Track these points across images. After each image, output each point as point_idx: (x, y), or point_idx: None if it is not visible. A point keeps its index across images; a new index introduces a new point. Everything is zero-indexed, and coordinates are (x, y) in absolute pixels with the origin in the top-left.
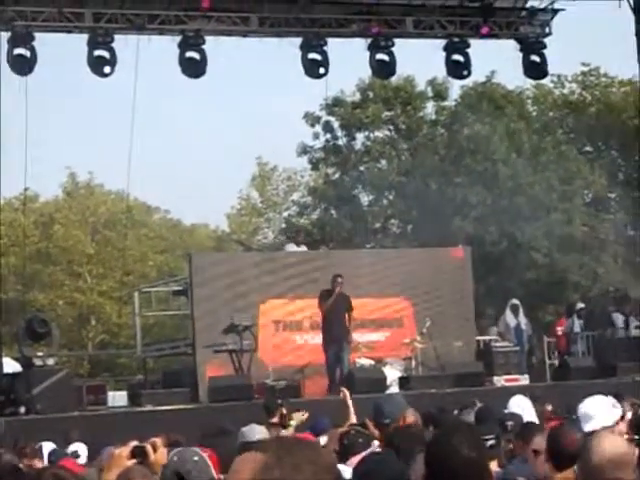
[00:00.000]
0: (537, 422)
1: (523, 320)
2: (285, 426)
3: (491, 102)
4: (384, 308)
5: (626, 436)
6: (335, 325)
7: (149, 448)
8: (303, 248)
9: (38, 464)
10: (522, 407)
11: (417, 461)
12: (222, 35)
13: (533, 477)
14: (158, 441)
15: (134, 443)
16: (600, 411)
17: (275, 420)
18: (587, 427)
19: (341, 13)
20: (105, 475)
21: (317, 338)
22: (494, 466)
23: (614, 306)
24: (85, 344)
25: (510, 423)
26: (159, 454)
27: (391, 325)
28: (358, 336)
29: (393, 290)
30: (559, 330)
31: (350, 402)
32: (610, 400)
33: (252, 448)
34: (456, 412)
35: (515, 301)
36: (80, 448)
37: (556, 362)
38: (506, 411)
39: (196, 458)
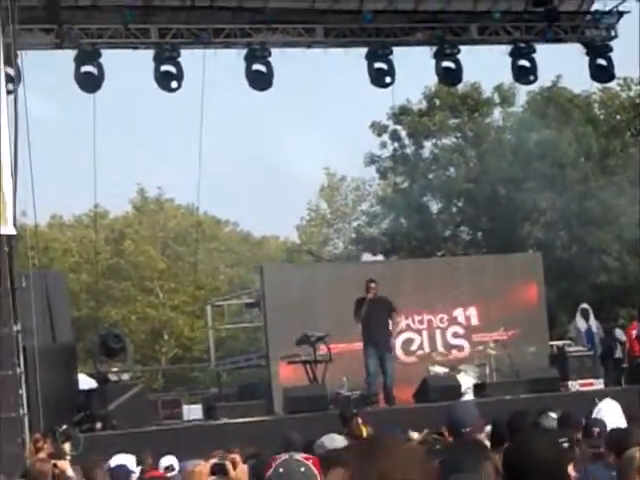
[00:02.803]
0: (626, 427)
1: (594, 324)
2: (359, 436)
3: (558, 106)
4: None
5: None
6: (374, 332)
7: (229, 465)
8: (380, 257)
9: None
10: (610, 411)
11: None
12: (287, 47)
13: None
14: (237, 457)
15: (214, 460)
16: None
17: (350, 430)
18: None
19: (406, 22)
20: None
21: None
22: (570, 469)
23: None
24: (159, 359)
25: (596, 429)
26: (239, 471)
27: (471, 329)
28: (432, 343)
29: (468, 294)
30: (633, 334)
31: None
32: None
33: (333, 457)
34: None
35: (585, 305)
36: (173, 461)
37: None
38: (593, 416)
39: (303, 469)
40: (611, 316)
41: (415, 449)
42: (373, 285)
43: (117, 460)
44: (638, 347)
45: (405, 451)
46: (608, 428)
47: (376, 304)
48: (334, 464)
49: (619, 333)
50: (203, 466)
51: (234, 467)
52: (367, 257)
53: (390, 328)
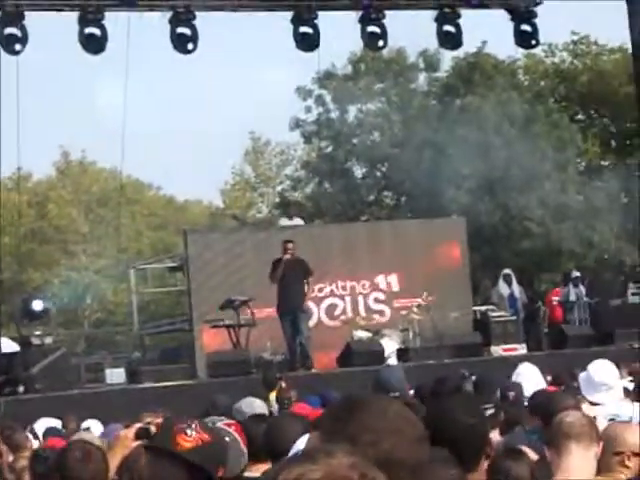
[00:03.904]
0: (551, 392)
1: (517, 289)
2: (284, 400)
3: (482, 73)
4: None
5: None
6: (289, 294)
7: (154, 429)
8: (297, 221)
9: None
10: (529, 375)
11: None
12: (213, 10)
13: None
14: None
15: (138, 425)
16: (607, 381)
17: (276, 394)
18: (593, 397)
19: None
20: (109, 457)
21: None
22: (495, 435)
23: (610, 273)
24: (81, 322)
25: (512, 393)
26: None
27: (393, 293)
28: (355, 307)
29: (392, 258)
30: (554, 300)
31: None
32: (614, 369)
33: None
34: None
35: (507, 270)
36: (93, 425)
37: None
38: (512, 379)
39: (228, 438)
40: (534, 281)
41: (391, 408)
42: (290, 246)
43: (43, 424)
44: (558, 313)
45: (378, 412)
46: (527, 393)
47: (292, 265)
48: (312, 428)
49: (547, 298)
50: (127, 431)
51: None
52: (284, 221)
53: (305, 289)
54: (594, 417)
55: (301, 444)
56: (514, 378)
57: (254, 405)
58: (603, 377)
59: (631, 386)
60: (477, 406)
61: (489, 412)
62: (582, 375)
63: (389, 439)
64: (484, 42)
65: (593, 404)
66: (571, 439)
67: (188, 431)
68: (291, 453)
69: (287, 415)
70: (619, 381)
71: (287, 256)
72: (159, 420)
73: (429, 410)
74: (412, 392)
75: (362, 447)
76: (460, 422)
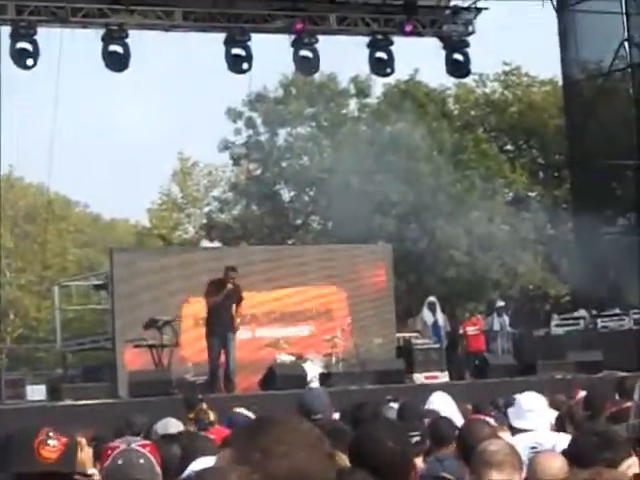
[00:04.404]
0: (459, 419)
1: (441, 317)
2: (205, 421)
3: (413, 100)
4: (310, 299)
5: None
6: (222, 318)
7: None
8: (217, 244)
9: None
10: (442, 404)
11: None
12: (145, 29)
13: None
14: (83, 440)
15: None
16: (536, 408)
17: (194, 415)
18: (520, 424)
19: (265, 9)
20: None
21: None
22: (419, 462)
23: (535, 304)
24: (3, 338)
25: (427, 420)
26: (84, 453)
27: (315, 317)
28: (278, 331)
29: (317, 282)
30: (469, 330)
31: None
32: (543, 399)
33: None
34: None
35: (432, 298)
36: None
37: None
38: (426, 407)
39: (142, 460)
40: (457, 310)
41: (302, 425)
42: (233, 274)
43: None
44: (474, 342)
45: (290, 427)
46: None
47: (231, 293)
48: (224, 445)
49: (463, 327)
50: None
51: (80, 449)
52: (205, 243)
53: (233, 312)
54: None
55: (197, 466)
56: (427, 407)
57: (168, 425)
58: (530, 405)
59: (553, 417)
60: (402, 432)
61: (415, 439)
62: (512, 403)
63: (303, 451)
64: (416, 70)
65: (519, 431)
66: (493, 467)
67: (50, 442)
68: (185, 474)
69: (200, 436)
70: (547, 410)
71: (230, 285)
72: (79, 439)
73: (355, 436)
74: (337, 415)
75: (275, 459)
76: (385, 448)
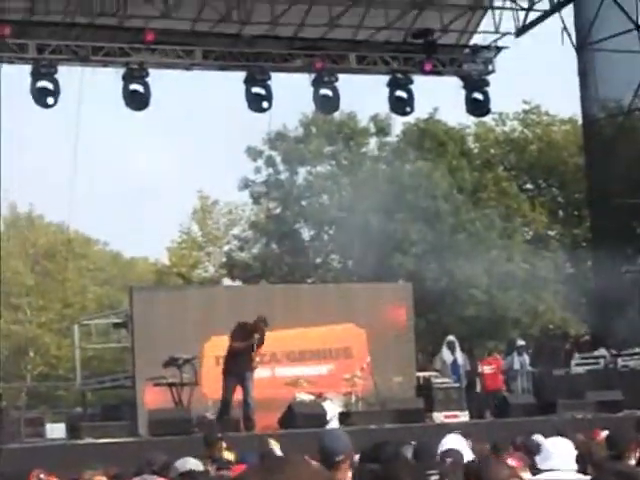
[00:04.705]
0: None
1: (460, 356)
2: (221, 460)
3: (433, 139)
4: (329, 338)
5: None
6: (242, 359)
7: None
8: (238, 283)
9: None
10: (457, 446)
11: None
12: (166, 68)
13: None
14: (104, 478)
15: None
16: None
17: (211, 453)
18: (545, 465)
19: (285, 48)
20: None
21: (257, 372)
22: None
23: (554, 343)
24: (23, 376)
25: (450, 460)
26: None
27: (335, 356)
28: (298, 369)
29: (337, 321)
30: (486, 369)
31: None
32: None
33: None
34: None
35: (451, 337)
36: None
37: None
38: (442, 449)
39: None
40: (477, 349)
41: (313, 467)
42: (266, 328)
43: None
44: (491, 381)
45: (302, 468)
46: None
47: (252, 337)
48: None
49: (479, 366)
50: None
51: None
52: (226, 282)
53: (253, 354)
54: None
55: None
56: (440, 449)
57: (187, 464)
58: (559, 449)
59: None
60: (421, 471)
61: (434, 478)
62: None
63: None
64: (436, 109)
65: (542, 471)
66: None
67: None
68: None
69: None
70: (571, 453)
71: (257, 336)
72: (99, 477)
73: (377, 476)
74: (357, 457)
75: None
76: None
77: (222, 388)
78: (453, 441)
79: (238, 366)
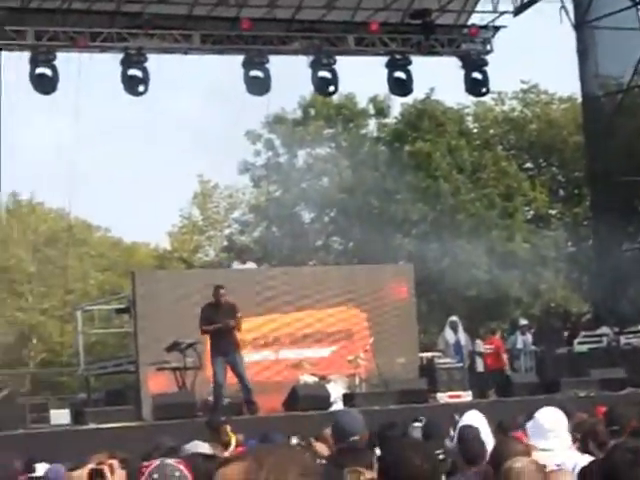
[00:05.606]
0: (491, 439)
1: (462, 336)
2: (227, 444)
3: (432, 119)
4: (331, 321)
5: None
6: (224, 339)
7: (107, 470)
8: (250, 265)
9: None
10: (477, 423)
11: None
12: (164, 53)
13: None
14: (115, 462)
15: (91, 465)
16: (556, 427)
17: (218, 438)
18: (540, 444)
19: (283, 30)
20: None
21: (261, 355)
22: None
23: (557, 322)
24: (26, 363)
25: (469, 436)
26: (117, 476)
27: (337, 338)
28: (301, 352)
29: (338, 303)
30: (487, 348)
31: None
32: (563, 416)
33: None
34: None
35: (454, 318)
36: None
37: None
38: (460, 424)
39: (177, 473)
40: (479, 329)
41: (293, 453)
42: (223, 291)
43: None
44: (491, 360)
45: (292, 454)
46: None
47: (225, 311)
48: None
49: (478, 345)
50: (80, 472)
51: (112, 472)
52: (237, 265)
53: (234, 331)
54: (544, 465)
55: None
56: (462, 424)
57: (198, 447)
58: (551, 424)
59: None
60: (431, 451)
61: (440, 457)
62: (530, 422)
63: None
64: (432, 89)
65: (542, 451)
66: None
67: None
68: None
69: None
70: (566, 429)
71: (223, 302)
72: (111, 461)
73: (384, 455)
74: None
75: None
76: (415, 467)
77: (213, 375)
78: (472, 418)
79: (222, 348)
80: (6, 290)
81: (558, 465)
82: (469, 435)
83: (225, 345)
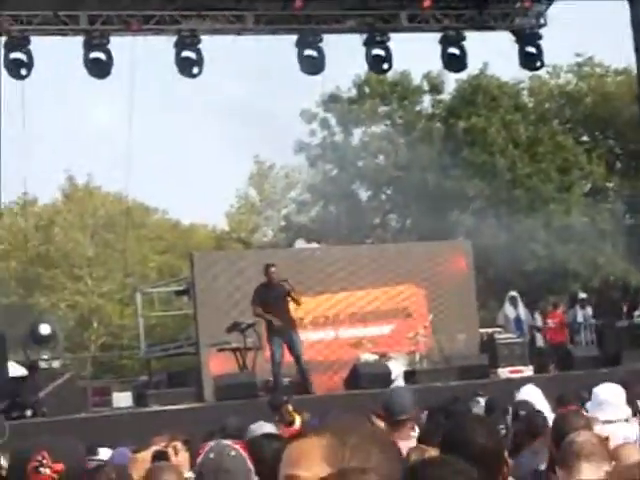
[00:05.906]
0: (549, 412)
1: (522, 311)
2: (291, 423)
3: (487, 94)
4: (390, 298)
5: None
6: (280, 319)
7: (171, 452)
8: (314, 244)
9: None
10: (533, 397)
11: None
12: (217, 34)
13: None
14: (179, 444)
15: (155, 447)
16: (614, 401)
17: (281, 417)
18: (602, 415)
19: (336, 9)
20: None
21: (321, 334)
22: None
23: (616, 295)
24: (88, 346)
25: (522, 412)
26: (181, 457)
27: (397, 316)
28: (360, 330)
29: (397, 280)
30: (550, 322)
31: None
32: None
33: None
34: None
35: (513, 293)
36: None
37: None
38: (516, 399)
39: (233, 453)
40: (539, 304)
41: (373, 430)
42: (273, 269)
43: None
44: (554, 335)
45: (362, 429)
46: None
47: (277, 290)
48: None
49: (537, 319)
50: (144, 454)
51: (176, 454)
52: (300, 244)
53: (290, 310)
54: (607, 437)
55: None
56: (518, 399)
57: (263, 428)
58: (611, 397)
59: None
60: (493, 427)
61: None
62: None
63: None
64: (486, 64)
65: (604, 423)
66: (582, 459)
67: (41, 469)
68: None
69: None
70: (625, 402)
71: (274, 279)
72: (174, 443)
73: (445, 432)
74: (425, 414)
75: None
76: (478, 443)
77: (269, 356)
78: (528, 392)
79: (278, 328)
80: (65, 275)
81: (625, 438)
82: (526, 409)
83: (282, 325)
